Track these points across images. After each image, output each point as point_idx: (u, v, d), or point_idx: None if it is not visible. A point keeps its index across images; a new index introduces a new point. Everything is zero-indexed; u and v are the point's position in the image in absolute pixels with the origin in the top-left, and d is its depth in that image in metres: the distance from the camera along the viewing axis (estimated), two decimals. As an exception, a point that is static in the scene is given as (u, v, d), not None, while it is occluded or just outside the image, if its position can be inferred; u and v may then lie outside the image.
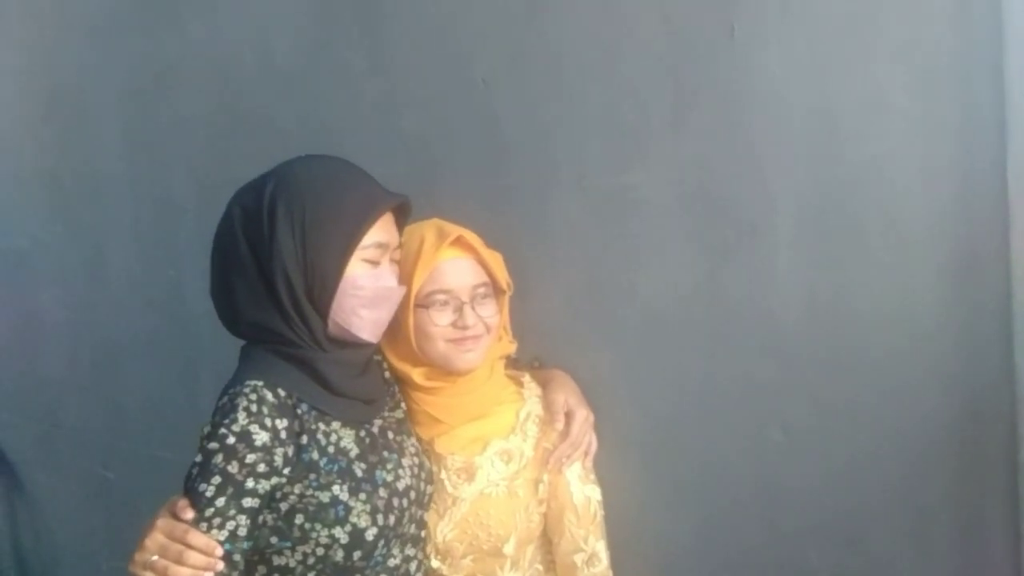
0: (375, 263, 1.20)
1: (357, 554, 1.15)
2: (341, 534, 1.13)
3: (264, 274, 1.17)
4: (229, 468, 1.08)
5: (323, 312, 1.18)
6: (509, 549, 1.31)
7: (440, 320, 1.29)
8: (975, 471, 1.32)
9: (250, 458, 1.08)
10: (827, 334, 1.38)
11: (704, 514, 1.50)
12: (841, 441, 1.40)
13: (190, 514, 1.07)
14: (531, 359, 1.49)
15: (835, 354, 1.38)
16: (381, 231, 1.20)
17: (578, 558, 1.34)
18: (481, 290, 1.32)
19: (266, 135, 1.83)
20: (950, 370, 1.31)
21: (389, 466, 1.21)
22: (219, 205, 1.92)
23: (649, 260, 1.49)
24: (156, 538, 1.07)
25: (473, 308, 1.30)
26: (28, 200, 2.46)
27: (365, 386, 1.24)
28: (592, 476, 1.36)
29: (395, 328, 1.28)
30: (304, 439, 1.14)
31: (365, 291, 1.19)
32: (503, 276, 1.36)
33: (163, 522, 1.08)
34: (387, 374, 1.34)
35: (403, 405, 1.34)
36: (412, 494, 1.23)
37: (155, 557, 1.07)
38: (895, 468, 1.37)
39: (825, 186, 1.36)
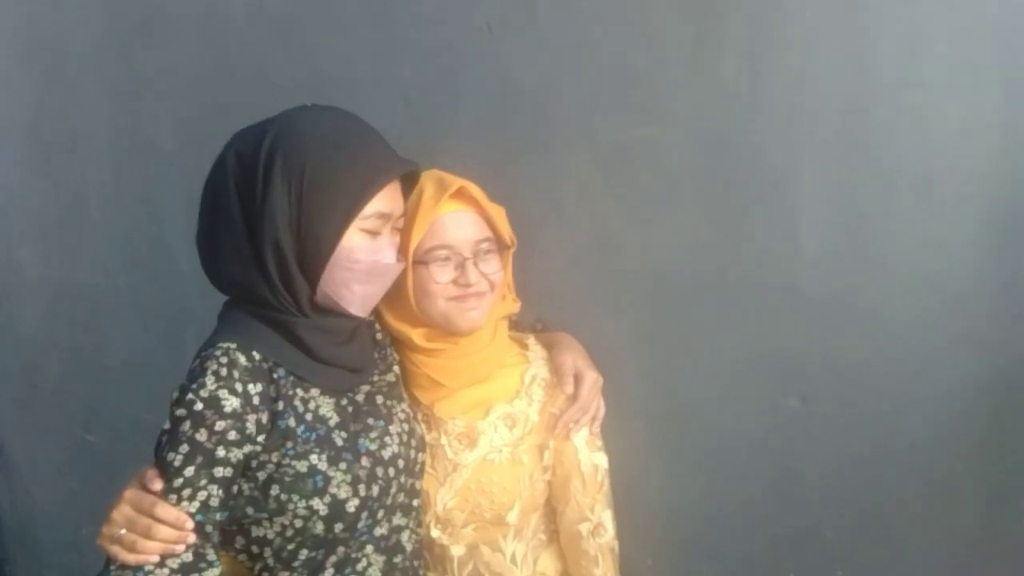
0: (374, 234, 1.07)
1: (338, 526, 1.04)
2: (320, 505, 1.03)
3: (252, 233, 1.03)
4: (197, 436, 0.97)
5: (312, 280, 1.05)
6: (512, 518, 1.21)
7: (441, 277, 1.17)
8: (1003, 442, 1.21)
9: (220, 425, 0.97)
10: (852, 297, 1.25)
11: (714, 485, 1.38)
12: (862, 410, 1.28)
13: (159, 485, 0.97)
14: (534, 321, 1.36)
15: (859, 318, 1.26)
16: (385, 200, 1.06)
17: (583, 527, 1.24)
18: (484, 245, 1.20)
19: (256, 86, 1.68)
20: (983, 336, 1.20)
21: (373, 434, 1.10)
22: (206, 159, 1.75)
23: (662, 217, 1.36)
24: (123, 510, 0.97)
25: (476, 264, 1.18)
26: (5, 153, 2.29)
27: (351, 354, 1.12)
28: (599, 443, 1.26)
29: (392, 287, 1.15)
30: (280, 405, 1.03)
31: (360, 265, 1.06)
32: (507, 230, 1.24)
33: (131, 493, 0.98)
34: (379, 335, 1.22)
35: (396, 368, 1.22)
36: (400, 462, 1.12)
37: (123, 531, 0.96)
38: (918, 438, 1.26)
39: (855, 138, 1.22)
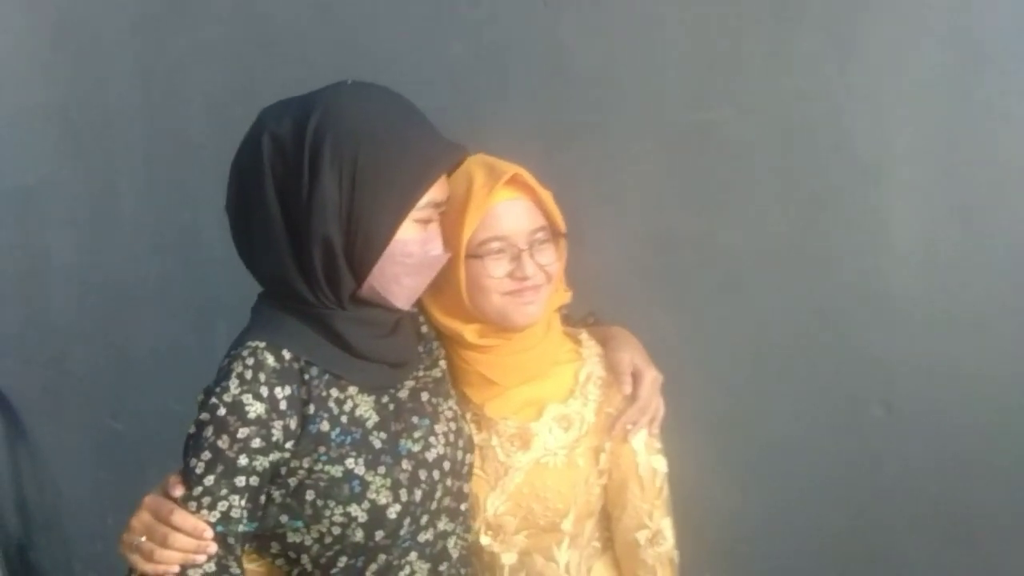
0: (425, 223, 0.96)
1: (379, 533, 0.94)
2: (358, 512, 0.93)
3: (292, 226, 0.92)
4: (219, 443, 0.88)
5: (360, 276, 0.94)
6: (567, 525, 1.11)
7: (495, 271, 1.06)
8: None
9: (242, 432, 0.88)
10: (947, 297, 1.11)
11: (782, 498, 1.25)
12: (955, 421, 1.14)
13: (179, 492, 0.89)
14: (585, 315, 1.23)
15: (954, 319, 1.12)
16: (437, 188, 0.96)
17: (641, 535, 1.14)
18: (540, 235, 1.08)
19: (293, 64, 1.55)
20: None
21: (417, 434, 1.00)
22: (236, 142, 1.64)
23: (732, 207, 1.22)
24: (143, 518, 0.90)
25: (532, 255, 1.07)
26: (35, 136, 2.20)
27: (392, 347, 1.01)
28: (659, 446, 1.15)
29: (441, 281, 1.05)
30: (311, 408, 0.93)
31: (413, 259, 0.96)
32: (559, 217, 1.12)
33: (151, 500, 0.91)
34: (424, 328, 1.11)
35: (442, 363, 1.11)
36: (446, 464, 1.02)
37: (142, 539, 0.89)
38: (1017, 454, 1.10)
39: (955, 122, 1.08)
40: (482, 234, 1.05)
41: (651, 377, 1.13)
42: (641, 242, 1.29)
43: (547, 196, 1.10)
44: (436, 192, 0.96)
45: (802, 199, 1.17)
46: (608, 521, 1.16)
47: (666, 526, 1.14)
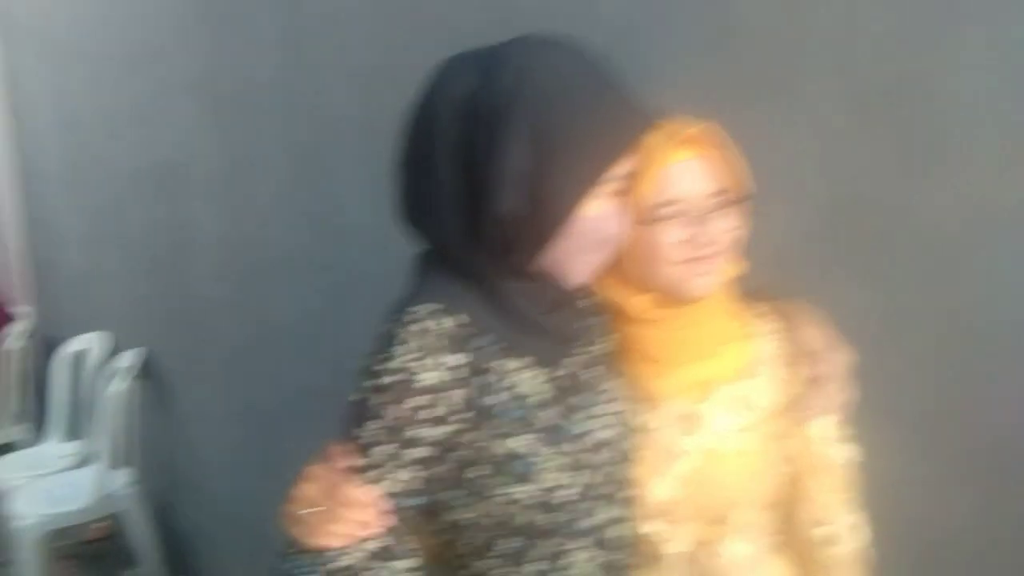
0: (612, 196, 0.87)
1: (542, 516, 0.87)
2: (523, 493, 0.86)
3: (469, 190, 0.83)
4: (387, 413, 0.82)
5: (537, 251, 0.85)
6: (739, 516, 1.01)
7: (671, 237, 0.94)
8: None
9: (413, 402, 0.82)
10: None
11: (996, 505, 1.08)
12: None
13: (345, 463, 0.83)
14: (764, 288, 1.10)
15: None
16: (627, 158, 0.86)
17: (820, 532, 1.02)
18: (721, 198, 0.96)
19: (437, 28, 1.47)
20: None
21: (585, 414, 0.92)
22: (381, 113, 1.57)
23: (939, 169, 1.05)
24: (307, 490, 0.84)
25: (711, 221, 0.95)
26: (177, 109, 2.23)
27: (561, 322, 0.93)
28: (846, 433, 1.02)
29: None
30: (481, 379, 0.85)
31: (598, 234, 0.87)
32: (745, 179, 0.98)
33: (314, 471, 0.85)
34: (590, 300, 1.01)
35: (607, 339, 1.01)
36: (613, 447, 0.94)
37: (306, 512, 0.83)
38: None
39: None
40: (657, 197, 0.93)
41: (837, 358, 0.99)
42: (828, 208, 1.14)
43: (733, 155, 0.98)
44: (626, 163, 0.86)
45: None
46: (787, 514, 1.04)
47: (849, 524, 1.01)
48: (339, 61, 1.71)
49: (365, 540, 0.82)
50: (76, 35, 2.82)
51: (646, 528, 1.00)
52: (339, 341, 1.83)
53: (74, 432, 3.15)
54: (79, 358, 3.09)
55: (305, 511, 0.84)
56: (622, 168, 0.86)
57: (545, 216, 0.83)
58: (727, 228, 0.96)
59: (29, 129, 3.48)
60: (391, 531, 0.83)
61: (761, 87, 1.15)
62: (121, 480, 2.78)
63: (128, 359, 2.77)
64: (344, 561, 0.81)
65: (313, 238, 1.86)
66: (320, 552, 0.81)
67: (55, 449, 3.15)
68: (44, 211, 3.53)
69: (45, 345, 3.42)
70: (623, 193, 0.88)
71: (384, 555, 0.83)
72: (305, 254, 1.90)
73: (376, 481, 0.83)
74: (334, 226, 1.79)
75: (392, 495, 0.83)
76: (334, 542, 0.82)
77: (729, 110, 1.03)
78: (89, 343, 3.07)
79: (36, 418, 3.43)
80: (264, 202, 2.00)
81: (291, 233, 1.93)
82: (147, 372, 2.74)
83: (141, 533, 2.79)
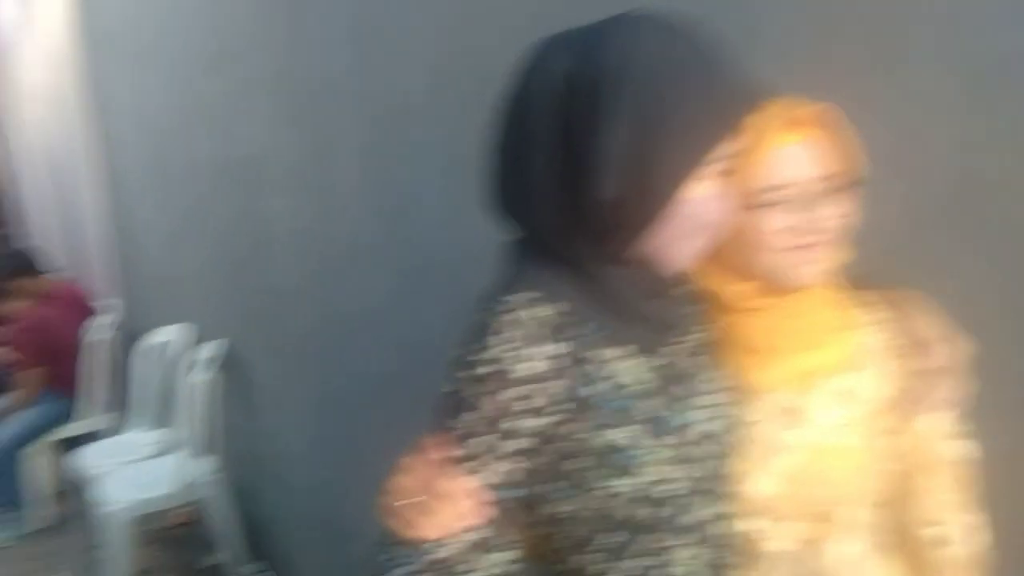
0: (717, 179, 0.83)
1: (642, 511, 0.84)
2: (625, 486, 0.83)
3: (568, 173, 0.80)
4: (482, 404, 0.80)
5: (638, 235, 0.82)
6: (845, 514, 0.95)
7: (776, 223, 0.90)
8: None
9: (508, 393, 0.79)
10: None
11: None
12: None
13: (440, 455, 0.81)
14: (871, 274, 1.04)
15: None
16: (732, 137, 0.82)
17: (931, 533, 0.97)
18: (832, 183, 0.90)
19: (515, 19, 1.44)
20: None
21: (686, 405, 0.88)
22: (456, 103, 1.56)
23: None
24: (403, 482, 0.83)
25: (821, 207, 0.90)
26: (255, 104, 2.26)
27: (662, 309, 0.89)
28: (962, 429, 0.96)
29: None
30: (581, 369, 0.82)
31: (701, 217, 0.83)
32: (859, 163, 0.92)
33: (411, 463, 0.83)
34: (689, 288, 0.96)
35: (709, 329, 0.97)
36: (715, 439, 0.89)
37: (403, 503, 0.82)
38: None
39: None
40: (764, 181, 0.89)
41: (951, 350, 0.93)
42: (944, 189, 1.07)
43: (847, 137, 0.92)
44: (731, 143, 0.81)
45: None
46: (897, 513, 0.98)
47: (963, 525, 0.95)
48: (411, 52, 1.70)
49: (463, 532, 0.80)
50: (158, 41, 2.91)
51: (747, 525, 0.96)
52: (413, 330, 1.83)
53: (159, 421, 3.25)
54: (163, 349, 3.19)
55: (402, 502, 0.83)
56: (727, 148, 0.82)
57: (647, 198, 0.80)
58: (837, 214, 0.91)
59: (115, 132, 3.61)
60: (490, 523, 0.82)
61: (870, 63, 1.08)
62: (204, 468, 2.85)
63: (209, 350, 2.84)
64: (442, 553, 0.80)
65: (387, 229, 1.86)
66: (418, 543, 0.80)
67: (140, 437, 3.26)
68: (130, 210, 3.65)
69: (130, 337, 3.54)
70: (727, 174, 0.84)
71: (483, 547, 0.81)
72: (380, 245, 1.90)
73: (474, 472, 0.81)
74: (408, 216, 1.78)
75: (490, 486, 0.81)
76: (432, 533, 0.80)
77: (837, 87, 0.98)
78: (172, 335, 3.17)
79: (123, 407, 3.56)
80: (339, 195, 2.01)
81: (366, 224, 1.94)
82: (228, 363, 2.80)
83: (222, 520, 2.87)
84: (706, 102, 0.78)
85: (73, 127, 4.12)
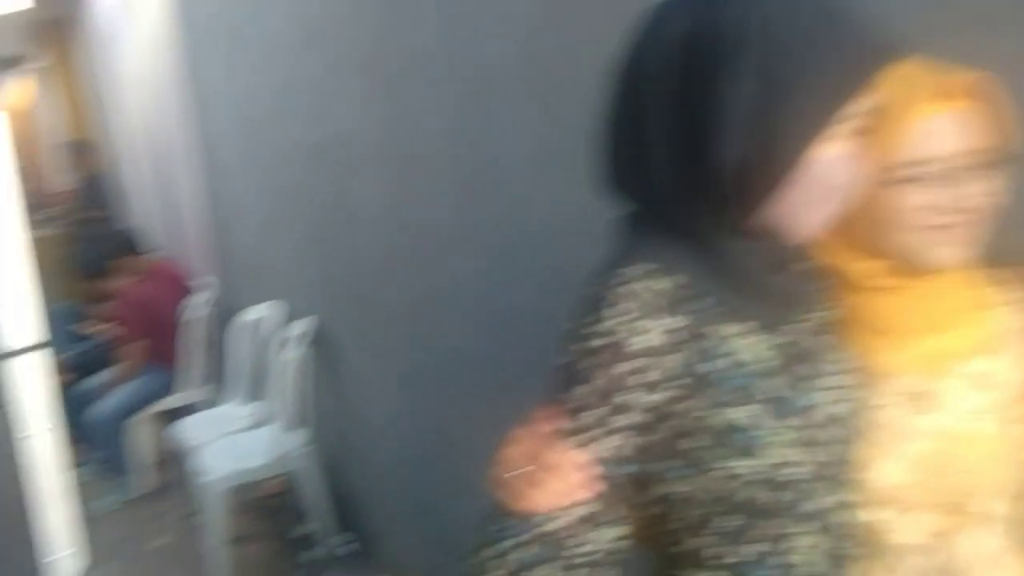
0: (846, 139, 0.77)
1: (762, 495, 0.80)
2: (745, 468, 0.79)
3: (689, 138, 0.76)
4: (595, 377, 0.77)
5: (763, 200, 0.77)
6: (980, 506, 0.89)
7: (916, 200, 0.84)
8: None
9: (622, 366, 0.76)
10: None
11: None
12: None
13: (553, 428, 0.79)
14: (1008, 251, 0.95)
15: None
16: (864, 94, 0.76)
17: None
18: (982, 158, 0.83)
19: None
20: None
21: (811, 385, 0.83)
22: (547, 78, 1.52)
23: None
24: (514, 453, 0.81)
25: (968, 184, 0.83)
26: (346, 83, 2.28)
27: (786, 284, 0.84)
28: None
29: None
30: (701, 344, 0.78)
31: (831, 180, 0.77)
32: (1016, 136, 0.84)
33: (522, 435, 0.81)
34: (813, 263, 0.90)
35: (834, 306, 0.91)
36: (841, 423, 0.84)
37: (513, 475, 0.80)
38: None
39: None
40: (906, 154, 0.82)
41: None
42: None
43: (1003, 109, 0.83)
44: (864, 100, 0.75)
45: None
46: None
47: None
48: (502, 24, 1.67)
49: (573, 505, 0.78)
50: (251, 25, 2.97)
51: (872, 515, 0.90)
52: (500, 308, 1.81)
53: (252, 395, 3.36)
54: (256, 326, 3.29)
55: (512, 474, 0.81)
56: (860, 105, 0.75)
57: (774, 160, 0.74)
58: (983, 193, 0.83)
59: (210, 116, 3.72)
60: (599, 498, 0.79)
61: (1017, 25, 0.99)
62: (295, 441, 2.93)
63: (301, 327, 2.91)
64: (551, 525, 0.78)
65: (476, 206, 1.85)
66: (527, 515, 0.78)
67: (236, 410, 3.38)
68: (225, 192, 3.77)
69: (226, 314, 3.67)
70: (860, 133, 0.78)
71: (592, 521, 0.78)
72: (467, 222, 1.89)
73: (585, 445, 0.78)
74: (497, 194, 1.76)
75: (601, 460, 0.79)
76: (541, 506, 0.78)
77: (993, 54, 0.89)
78: (265, 312, 3.26)
79: (219, 381, 3.70)
80: (427, 172, 2.01)
81: (454, 202, 1.93)
82: (318, 339, 2.86)
83: (313, 492, 2.94)
84: (836, 55, 0.73)
85: (171, 112, 4.28)
